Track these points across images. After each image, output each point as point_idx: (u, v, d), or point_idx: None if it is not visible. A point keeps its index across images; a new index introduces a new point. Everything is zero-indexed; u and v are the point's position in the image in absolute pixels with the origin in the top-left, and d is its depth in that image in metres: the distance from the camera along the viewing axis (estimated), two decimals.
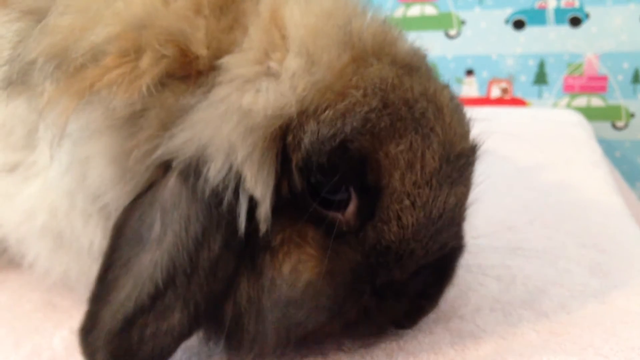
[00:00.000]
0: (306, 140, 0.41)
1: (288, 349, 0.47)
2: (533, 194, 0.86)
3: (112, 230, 0.43)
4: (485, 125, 1.29)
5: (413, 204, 0.44)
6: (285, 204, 0.43)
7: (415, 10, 1.59)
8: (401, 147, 0.43)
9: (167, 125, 0.42)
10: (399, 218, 0.44)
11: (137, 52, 0.41)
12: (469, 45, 1.58)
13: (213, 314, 0.44)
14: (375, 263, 0.44)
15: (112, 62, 0.41)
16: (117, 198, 0.44)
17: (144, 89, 0.41)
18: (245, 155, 0.41)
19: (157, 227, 0.42)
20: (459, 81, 1.62)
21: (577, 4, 1.48)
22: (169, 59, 0.42)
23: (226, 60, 0.42)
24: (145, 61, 0.41)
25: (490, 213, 0.78)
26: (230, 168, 0.41)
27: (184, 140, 0.41)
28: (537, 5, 1.51)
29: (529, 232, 0.73)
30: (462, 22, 1.57)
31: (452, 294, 0.54)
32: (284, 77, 0.41)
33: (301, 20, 0.43)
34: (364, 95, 0.42)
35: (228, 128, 0.41)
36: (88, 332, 0.42)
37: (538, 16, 1.52)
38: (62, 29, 0.43)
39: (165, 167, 0.42)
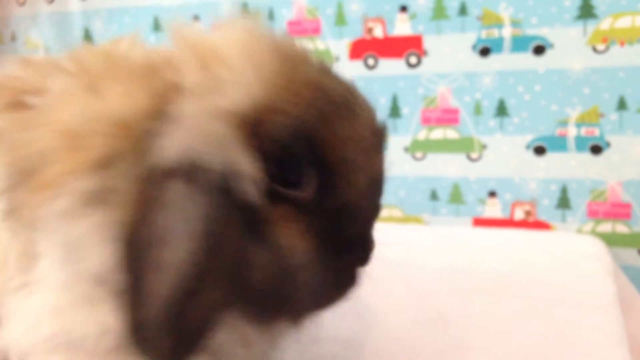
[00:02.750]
0: (273, 129, 0.51)
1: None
2: (531, 341, 0.85)
3: (125, 250, 0.48)
4: (506, 255, 1.30)
5: (361, 169, 0.56)
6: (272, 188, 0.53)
7: (437, 134, 1.64)
8: (345, 126, 0.55)
9: (141, 153, 0.49)
10: (352, 183, 0.56)
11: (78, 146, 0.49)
12: (491, 168, 1.61)
13: (241, 287, 0.52)
14: (339, 223, 0.56)
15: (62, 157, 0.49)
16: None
17: (94, 164, 0.48)
18: (234, 145, 0.49)
19: (178, 225, 0.47)
20: (482, 202, 1.63)
21: (597, 133, 1.52)
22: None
23: (186, 86, 0.51)
24: (97, 137, 0.49)
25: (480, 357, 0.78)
26: (227, 158, 0.49)
27: (173, 151, 0.48)
28: (557, 132, 1.55)
29: None
30: (484, 146, 1.61)
31: None
32: (240, 84, 0.51)
33: (229, 52, 0.53)
34: (311, 92, 0.53)
35: (213, 125, 0.49)
36: (140, 332, 0.47)
37: (559, 143, 1.55)
38: (18, 144, 0.51)
39: (153, 182, 0.48)
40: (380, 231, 1.63)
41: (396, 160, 1.69)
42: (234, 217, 0.49)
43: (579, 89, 1.52)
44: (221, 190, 0.48)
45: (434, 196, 1.68)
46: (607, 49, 1.49)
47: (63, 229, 0.49)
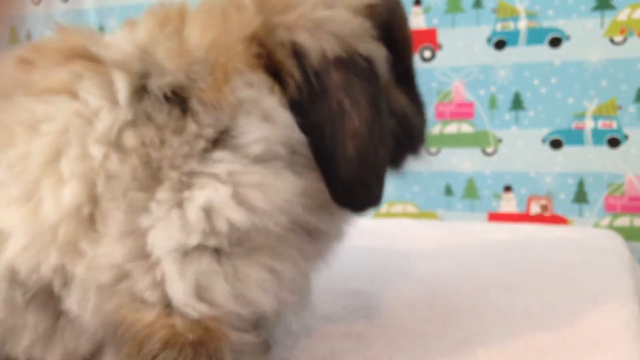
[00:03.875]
0: (382, 19, 0.70)
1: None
2: (547, 336, 0.84)
3: (308, 126, 0.63)
4: (521, 250, 1.28)
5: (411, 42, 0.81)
6: None
7: (452, 128, 1.63)
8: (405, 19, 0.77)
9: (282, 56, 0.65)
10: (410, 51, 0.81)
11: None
12: (506, 162, 1.59)
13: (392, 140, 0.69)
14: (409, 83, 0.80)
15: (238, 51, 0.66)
16: None
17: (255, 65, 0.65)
18: (367, 35, 0.66)
19: (346, 102, 0.62)
20: (498, 197, 1.62)
21: (615, 126, 1.50)
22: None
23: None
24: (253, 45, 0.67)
25: (502, 352, 0.77)
26: (366, 45, 0.66)
27: (328, 43, 0.63)
28: (573, 125, 1.53)
29: None
30: (499, 140, 1.59)
31: None
32: None
33: None
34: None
35: (346, 18, 0.65)
36: (346, 190, 0.64)
37: (575, 136, 1.53)
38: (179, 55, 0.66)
39: (319, 74, 0.63)
40: (394, 226, 1.62)
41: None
42: (380, 91, 0.65)
43: (596, 81, 1.50)
44: (371, 72, 0.65)
45: (448, 191, 1.66)
46: (624, 40, 1.47)
47: (257, 106, 0.61)
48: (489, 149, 1.61)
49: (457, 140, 1.63)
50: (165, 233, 0.56)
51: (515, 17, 1.54)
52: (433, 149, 1.66)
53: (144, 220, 0.57)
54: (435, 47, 1.61)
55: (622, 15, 1.46)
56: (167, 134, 0.59)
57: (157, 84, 0.60)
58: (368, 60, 0.65)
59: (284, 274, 0.62)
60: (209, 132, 0.59)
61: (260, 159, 0.59)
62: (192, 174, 0.58)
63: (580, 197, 1.54)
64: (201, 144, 0.59)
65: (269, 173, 0.59)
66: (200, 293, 0.58)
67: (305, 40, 0.63)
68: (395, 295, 1.05)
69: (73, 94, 0.61)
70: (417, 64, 1.62)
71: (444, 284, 1.10)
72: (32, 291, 0.59)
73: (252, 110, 0.60)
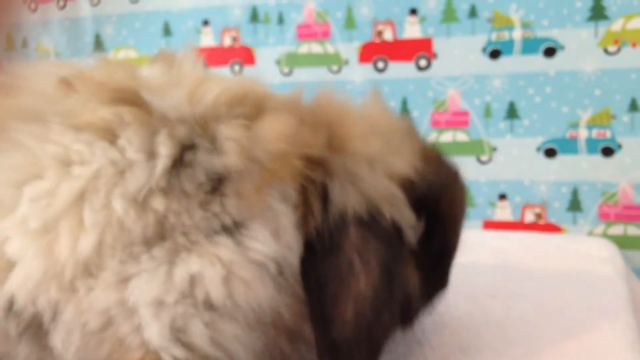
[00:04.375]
0: (417, 191, 0.68)
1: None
2: (542, 345, 0.84)
3: (310, 281, 0.61)
4: (517, 258, 1.29)
5: (460, 221, 0.79)
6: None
7: (447, 136, 1.64)
8: (453, 192, 0.76)
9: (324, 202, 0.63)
10: (455, 231, 0.79)
11: (288, 155, 0.64)
12: (501, 170, 1.60)
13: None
14: (438, 262, 0.79)
15: (279, 161, 0.63)
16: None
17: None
18: (399, 201, 0.65)
19: (356, 263, 0.61)
20: (492, 205, 1.63)
21: (608, 135, 1.51)
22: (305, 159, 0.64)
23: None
24: (295, 162, 0.64)
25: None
26: (394, 210, 0.64)
27: (354, 200, 0.62)
28: (568, 134, 1.54)
29: None
30: (494, 149, 1.60)
31: None
32: (399, 154, 0.69)
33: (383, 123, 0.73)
34: (436, 167, 0.74)
35: (383, 183, 0.64)
36: (334, 353, 0.61)
37: (569, 145, 1.54)
38: (239, 147, 0.64)
39: (334, 225, 0.62)
40: None
41: None
42: (400, 257, 0.65)
43: (590, 90, 1.51)
44: (393, 236, 0.63)
45: None
46: (618, 50, 1.48)
47: (277, 220, 0.61)
48: (484, 158, 1.62)
49: (453, 149, 1.63)
50: (147, 284, 0.57)
51: (510, 27, 1.56)
52: None
53: (131, 268, 0.58)
54: (430, 56, 1.63)
55: (616, 26, 1.47)
56: (191, 205, 0.59)
57: (205, 164, 0.60)
58: (393, 224, 0.64)
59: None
60: (227, 219, 0.60)
61: (256, 263, 0.60)
62: (196, 244, 0.59)
63: (574, 205, 1.56)
64: (216, 224, 0.60)
65: (259, 277, 0.60)
66: (178, 336, 0.58)
67: (334, 188, 0.63)
68: None
69: (113, 139, 0.59)
70: (413, 72, 1.64)
71: None
72: (25, 322, 0.59)
73: (270, 223, 0.61)
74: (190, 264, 0.58)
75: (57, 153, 0.59)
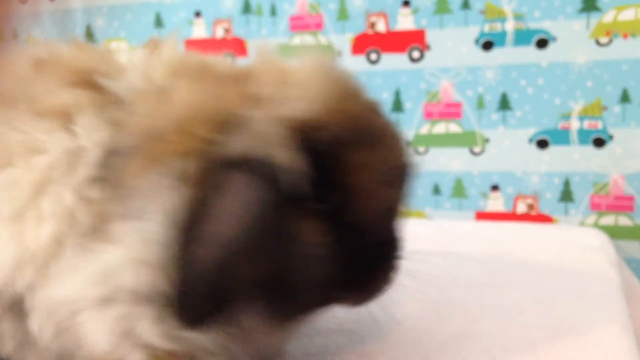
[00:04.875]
0: (317, 143, 0.59)
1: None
2: (538, 331, 0.85)
3: (183, 224, 0.56)
4: (510, 248, 1.31)
5: (371, 198, 0.63)
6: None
7: (440, 128, 1.64)
8: (370, 155, 0.63)
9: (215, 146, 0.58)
10: (362, 208, 0.63)
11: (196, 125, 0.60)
12: (493, 162, 1.61)
13: (271, 269, 0.59)
14: (353, 236, 0.63)
15: (179, 135, 0.59)
16: None
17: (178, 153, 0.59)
18: (287, 147, 0.58)
19: (232, 207, 0.56)
20: (485, 196, 1.63)
21: (600, 126, 1.52)
22: (213, 125, 0.60)
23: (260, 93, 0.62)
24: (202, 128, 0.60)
25: (493, 349, 0.79)
26: (280, 157, 0.57)
27: (239, 147, 0.57)
28: (560, 125, 1.55)
29: None
30: (486, 140, 1.61)
31: None
32: (301, 99, 0.61)
33: (300, 72, 0.65)
34: (351, 119, 0.62)
35: (274, 130, 0.58)
36: (182, 299, 0.56)
37: (562, 136, 1.55)
38: (140, 122, 0.61)
39: (216, 170, 0.57)
40: None
41: None
42: (280, 206, 0.57)
43: (582, 82, 1.52)
44: (275, 182, 0.57)
45: (436, 190, 1.68)
46: (610, 41, 1.49)
47: (163, 199, 0.57)
48: (477, 149, 1.62)
49: (445, 140, 1.64)
50: (86, 279, 0.58)
51: (502, 19, 1.56)
52: (421, 149, 1.67)
53: (80, 261, 0.59)
54: (423, 47, 1.63)
55: (608, 17, 1.48)
56: (115, 191, 0.60)
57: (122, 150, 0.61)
58: (276, 171, 0.57)
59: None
60: (126, 201, 0.60)
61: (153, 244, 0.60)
62: (108, 232, 0.60)
63: (566, 196, 1.57)
64: (120, 209, 0.60)
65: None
66: (128, 337, 0.60)
67: (229, 139, 0.60)
68: (386, 292, 1.06)
69: (69, 126, 0.62)
70: (406, 64, 1.64)
71: (433, 281, 1.11)
72: (7, 303, 0.61)
73: (160, 200, 0.59)
74: (109, 255, 0.58)
75: (23, 141, 0.61)
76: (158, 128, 0.59)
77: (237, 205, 0.56)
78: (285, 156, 0.57)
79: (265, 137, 0.58)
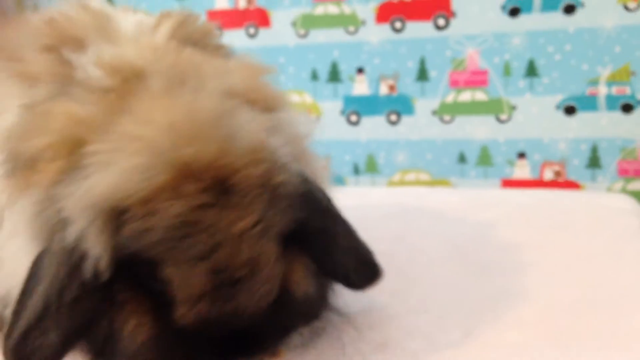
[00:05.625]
0: (124, 231, 0.57)
1: None
2: (576, 289, 0.86)
3: (29, 268, 0.61)
4: (540, 213, 1.31)
5: (190, 309, 0.59)
6: (125, 266, 0.60)
7: (466, 96, 1.64)
8: (176, 270, 0.58)
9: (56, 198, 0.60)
10: (183, 315, 0.59)
11: (54, 159, 0.60)
12: (520, 129, 1.61)
13: (85, 337, 0.62)
14: (183, 333, 0.60)
15: (41, 167, 0.61)
16: None
17: (48, 186, 0.59)
18: (89, 222, 0.57)
19: (45, 269, 0.59)
20: (511, 163, 1.64)
21: (628, 91, 1.51)
22: (68, 162, 0.60)
23: (95, 148, 0.59)
24: (53, 166, 0.60)
25: (538, 304, 0.80)
26: (80, 230, 0.58)
27: (57, 208, 0.59)
28: (588, 91, 1.54)
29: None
30: (513, 107, 1.61)
31: None
32: (124, 169, 0.57)
33: (153, 128, 0.59)
34: (159, 222, 0.57)
35: (78, 201, 0.58)
36: (7, 338, 0.60)
37: (589, 102, 1.55)
38: (17, 138, 0.63)
39: (56, 227, 0.59)
40: (409, 194, 1.64)
41: (424, 124, 1.69)
42: (75, 282, 0.59)
43: (610, 47, 1.51)
44: (69, 256, 0.59)
45: (462, 159, 1.68)
46: (638, 6, 1.47)
47: (17, 220, 0.63)
48: (503, 116, 1.62)
49: (471, 108, 1.64)
50: None
51: None
52: (447, 117, 1.67)
53: None
54: (449, 15, 1.62)
55: None
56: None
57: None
58: (76, 249, 0.59)
59: None
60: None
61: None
62: None
63: (594, 162, 1.57)
64: None
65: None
66: None
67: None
68: (422, 254, 1.07)
69: (31, 93, 0.67)
70: (431, 32, 1.62)
71: (467, 243, 1.12)
72: None
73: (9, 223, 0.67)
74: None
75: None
76: (26, 151, 0.62)
77: (40, 276, 0.60)
78: (85, 237, 0.58)
79: (71, 212, 0.58)
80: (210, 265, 0.57)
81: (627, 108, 1.52)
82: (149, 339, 0.60)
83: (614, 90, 1.52)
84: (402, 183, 1.73)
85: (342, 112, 1.75)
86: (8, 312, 0.72)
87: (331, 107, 1.75)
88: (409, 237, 1.16)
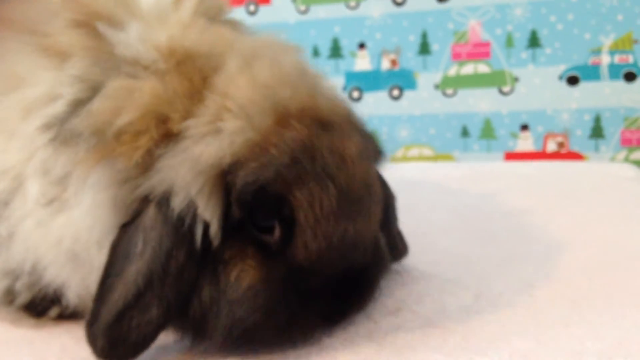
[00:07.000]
0: (238, 182, 0.57)
1: (234, 345, 0.61)
2: (588, 251, 0.87)
3: (109, 249, 0.59)
4: (545, 182, 1.31)
5: (315, 235, 0.59)
6: (234, 227, 0.59)
7: (468, 69, 1.63)
8: (304, 192, 0.58)
9: (146, 170, 0.59)
10: (305, 245, 0.59)
11: (141, 133, 0.60)
12: (523, 101, 1.61)
13: (183, 310, 0.60)
14: (296, 276, 0.60)
15: (127, 139, 0.60)
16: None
17: (138, 158, 0.59)
18: (197, 190, 0.57)
19: (140, 244, 0.58)
20: (515, 136, 1.64)
21: (631, 60, 1.51)
22: (156, 135, 0.60)
23: (189, 123, 0.60)
24: (143, 140, 0.60)
25: (548, 267, 0.80)
26: (188, 199, 0.57)
27: (157, 180, 0.58)
28: (590, 61, 1.54)
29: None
30: (516, 79, 1.60)
31: None
32: (224, 134, 0.58)
33: (243, 93, 0.60)
34: (279, 153, 0.58)
35: (185, 170, 0.57)
36: (91, 324, 0.58)
37: (592, 72, 1.54)
38: (101, 113, 0.62)
39: (145, 200, 0.59)
40: (413, 169, 1.64)
41: (426, 99, 1.69)
42: (183, 251, 0.58)
43: (613, 16, 1.50)
44: (176, 226, 0.58)
45: (465, 133, 1.68)
46: None
47: (96, 191, 0.61)
48: (506, 89, 1.62)
49: (474, 81, 1.64)
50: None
51: None
52: (449, 91, 1.67)
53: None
54: None
55: None
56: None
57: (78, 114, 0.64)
58: (185, 216, 0.58)
59: None
60: (64, 182, 0.66)
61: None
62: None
63: (597, 132, 1.57)
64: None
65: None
66: None
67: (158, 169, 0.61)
68: (429, 223, 1.07)
69: (61, 66, 0.66)
70: (433, 4, 1.62)
71: (474, 213, 1.13)
72: None
73: (86, 197, 0.64)
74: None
75: (22, 72, 0.67)
76: (112, 126, 0.61)
77: (142, 243, 0.58)
78: (193, 200, 0.58)
79: (179, 176, 0.58)
80: (339, 183, 0.60)
81: (630, 77, 1.52)
82: (255, 282, 0.59)
83: (617, 59, 1.52)
84: (405, 159, 1.73)
85: (344, 89, 1.74)
86: (19, 285, 0.72)
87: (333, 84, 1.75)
88: (415, 209, 1.16)
